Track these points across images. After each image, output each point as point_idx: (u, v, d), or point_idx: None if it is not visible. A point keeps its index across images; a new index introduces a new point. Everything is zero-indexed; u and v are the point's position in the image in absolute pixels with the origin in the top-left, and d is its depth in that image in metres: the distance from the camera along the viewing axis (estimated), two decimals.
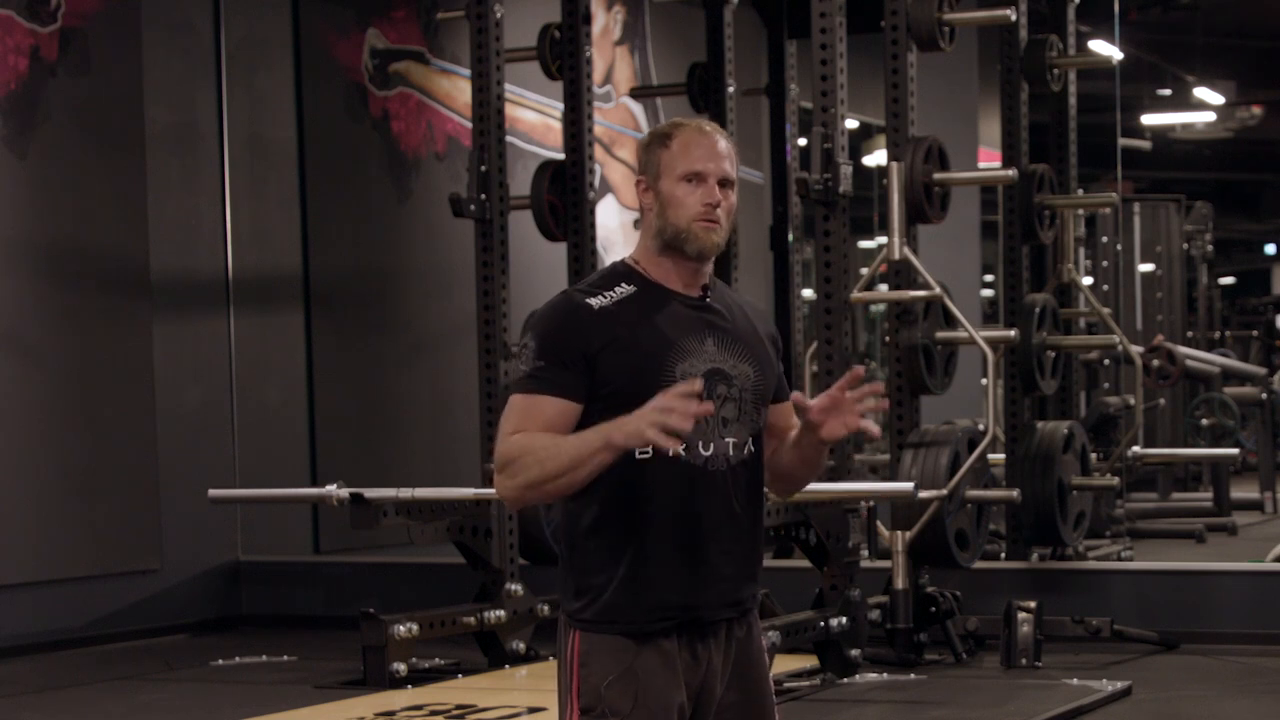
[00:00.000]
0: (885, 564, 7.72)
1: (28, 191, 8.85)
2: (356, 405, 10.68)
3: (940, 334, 8.04)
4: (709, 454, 3.20)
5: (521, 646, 7.99)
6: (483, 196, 8.37)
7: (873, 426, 3.27)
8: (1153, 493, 14.03)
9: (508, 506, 3.26)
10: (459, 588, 8.45)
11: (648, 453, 3.17)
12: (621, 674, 3.18)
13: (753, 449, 3.27)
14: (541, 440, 3.14)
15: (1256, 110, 21.55)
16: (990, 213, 14.93)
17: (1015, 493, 8.17)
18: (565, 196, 9.04)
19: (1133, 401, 10.38)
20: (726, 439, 3.22)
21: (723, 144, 3.26)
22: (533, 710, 6.87)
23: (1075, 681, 7.14)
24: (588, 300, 3.20)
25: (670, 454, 3.14)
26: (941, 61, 9.58)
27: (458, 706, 6.91)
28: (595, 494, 3.20)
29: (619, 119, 12.98)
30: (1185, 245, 16.36)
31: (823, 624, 7.24)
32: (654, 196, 3.26)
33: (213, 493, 8.40)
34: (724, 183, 3.24)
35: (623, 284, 3.24)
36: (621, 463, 3.15)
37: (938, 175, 7.96)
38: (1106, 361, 12.92)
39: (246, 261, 10.04)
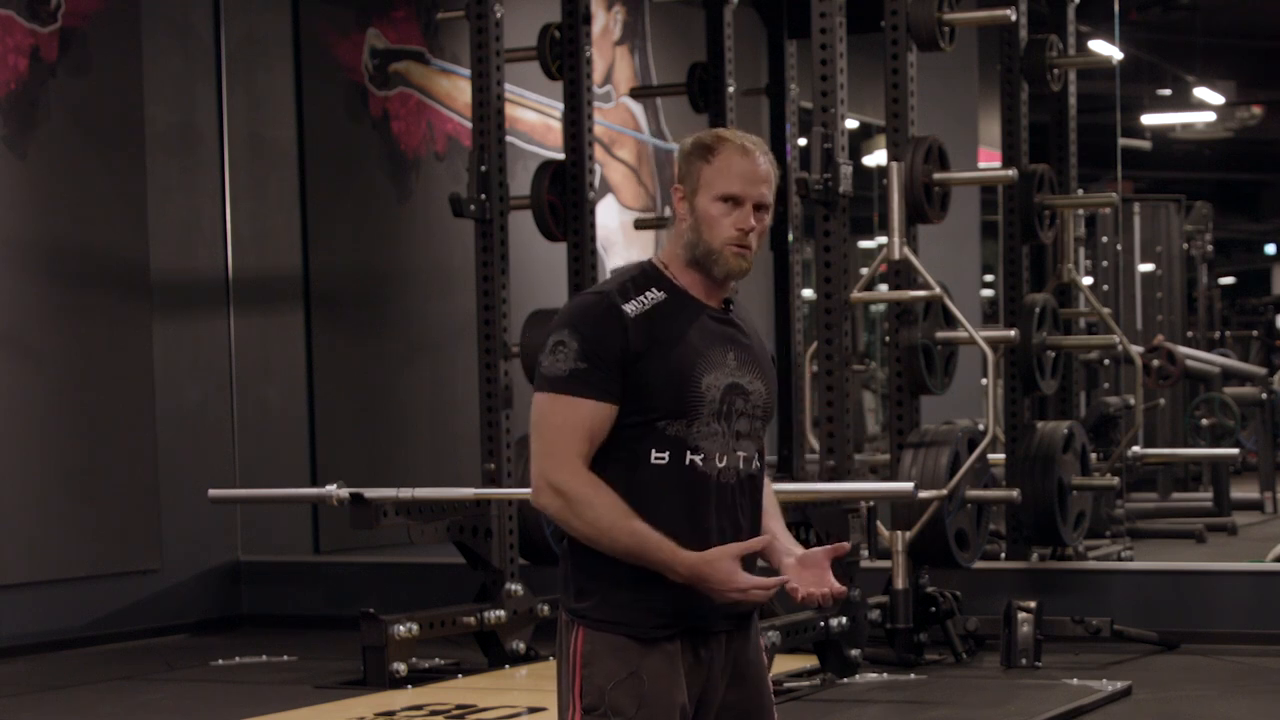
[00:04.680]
0: (885, 564, 7.72)
1: (28, 191, 8.85)
2: (356, 405, 10.68)
3: (940, 334, 8.04)
4: (723, 465, 3.22)
5: (521, 646, 7.99)
6: (483, 196, 8.37)
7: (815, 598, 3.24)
8: (1153, 493, 14.03)
9: (533, 504, 3.29)
10: (459, 588, 8.45)
11: (663, 458, 3.18)
12: (627, 675, 3.18)
13: (757, 464, 3.30)
14: (610, 508, 3.15)
15: (1256, 110, 21.54)
16: (990, 213, 14.93)
17: (1015, 493, 8.17)
18: (565, 196, 9.04)
19: (1133, 401, 10.38)
20: (739, 452, 3.24)
21: (764, 166, 3.25)
22: (533, 710, 6.87)
23: (1075, 681, 7.14)
24: (624, 306, 3.21)
25: (687, 462, 3.18)
26: (941, 61, 9.58)
27: (458, 706, 6.91)
28: None
29: (619, 119, 12.98)
30: (1185, 245, 16.35)
31: (823, 624, 7.24)
32: (689, 209, 3.26)
33: (213, 493, 8.40)
34: (760, 207, 3.25)
35: (653, 289, 3.25)
36: (637, 467, 3.18)
37: (938, 175, 7.96)
38: (1106, 361, 12.92)
39: (246, 261, 10.04)
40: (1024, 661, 7.52)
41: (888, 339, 8.23)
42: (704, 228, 3.24)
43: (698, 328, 3.24)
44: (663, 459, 3.18)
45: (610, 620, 3.20)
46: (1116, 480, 9.70)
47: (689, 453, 3.19)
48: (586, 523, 3.17)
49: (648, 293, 3.24)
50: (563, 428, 3.18)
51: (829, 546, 3.23)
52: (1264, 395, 13.74)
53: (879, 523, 7.55)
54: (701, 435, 3.20)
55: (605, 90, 12.68)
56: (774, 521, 3.36)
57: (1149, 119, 20.77)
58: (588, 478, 3.17)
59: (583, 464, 3.18)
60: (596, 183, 9.45)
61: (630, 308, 3.21)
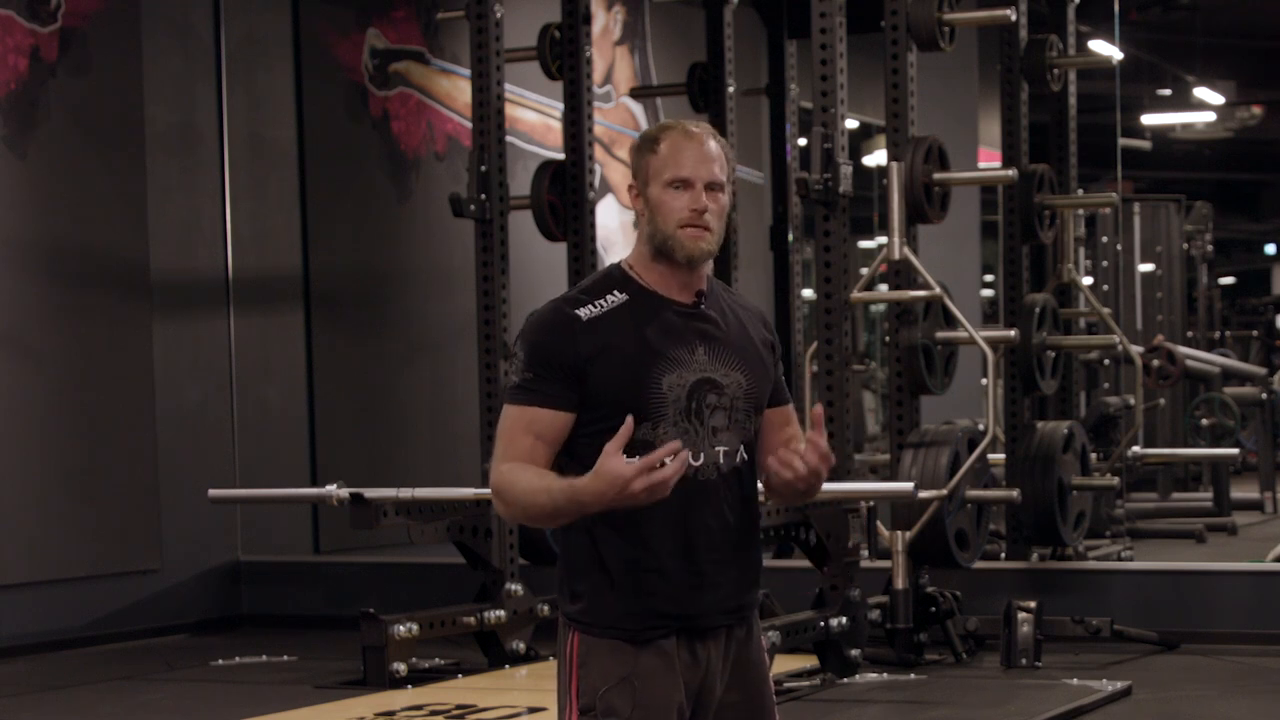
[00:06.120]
0: (885, 564, 7.72)
1: (28, 191, 8.85)
2: (356, 405, 10.68)
3: (940, 334, 8.04)
4: (699, 463, 3.19)
5: (521, 646, 7.99)
6: (483, 196, 8.37)
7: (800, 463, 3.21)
8: (1153, 493, 14.03)
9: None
10: (459, 588, 8.45)
11: (634, 462, 3.17)
12: (621, 676, 3.18)
13: (745, 456, 3.26)
14: (525, 481, 3.14)
15: (1256, 110, 21.54)
16: (990, 213, 14.93)
17: (1015, 493, 8.17)
18: (565, 196, 9.05)
19: (1133, 401, 10.38)
20: (717, 448, 3.21)
21: (711, 146, 3.23)
22: (533, 710, 6.87)
23: (1075, 681, 7.14)
24: (577, 311, 3.19)
25: (658, 464, 3.14)
26: (941, 61, 9.58)
27: (458, 706, 6.91)
28: None
29: (619, 119, 12.98)
30: (1185, 245, 16.35)
31: (823, 624, 7.24)
32: (644, 202, 3.25)
33: (213, 493, 8.40)
34: (712, 186, 3.22)
35: (615, 291, 3.23)
36: None
37: (938, 175, 7.96)
38: (1106, 361, 12.92)
39: (246, 261, 10.04)
40: (1024, 661, 7.52)
41: (888, 339, 8.23)
42: (658, 216, 3.22)
43: (659, 327, 3.21)
44: (633, 461, 3.17)
45: (602, 624, 3.19)
46: (1116, 480, 9.70)
47: None
48: (515, 505, 3.15)
49: (608, 296, 3.22)
50: (507, 434, 3.20)
51: (814, 422, 3.19)
52: (1264, 395, 13.73)
53: (879, 523, 7.55)
54: (670, 436, 3.17)
55: (605, 90, 12.68)
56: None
57: (1149, 119, 20.77)
58: (511, 464, 3.16)
59: (519, 458, 3.17)
60: (596, 183, 9.46)
61: (584, 313, 3.19)
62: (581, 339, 3.17)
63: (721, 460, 3.22)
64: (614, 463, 3.03)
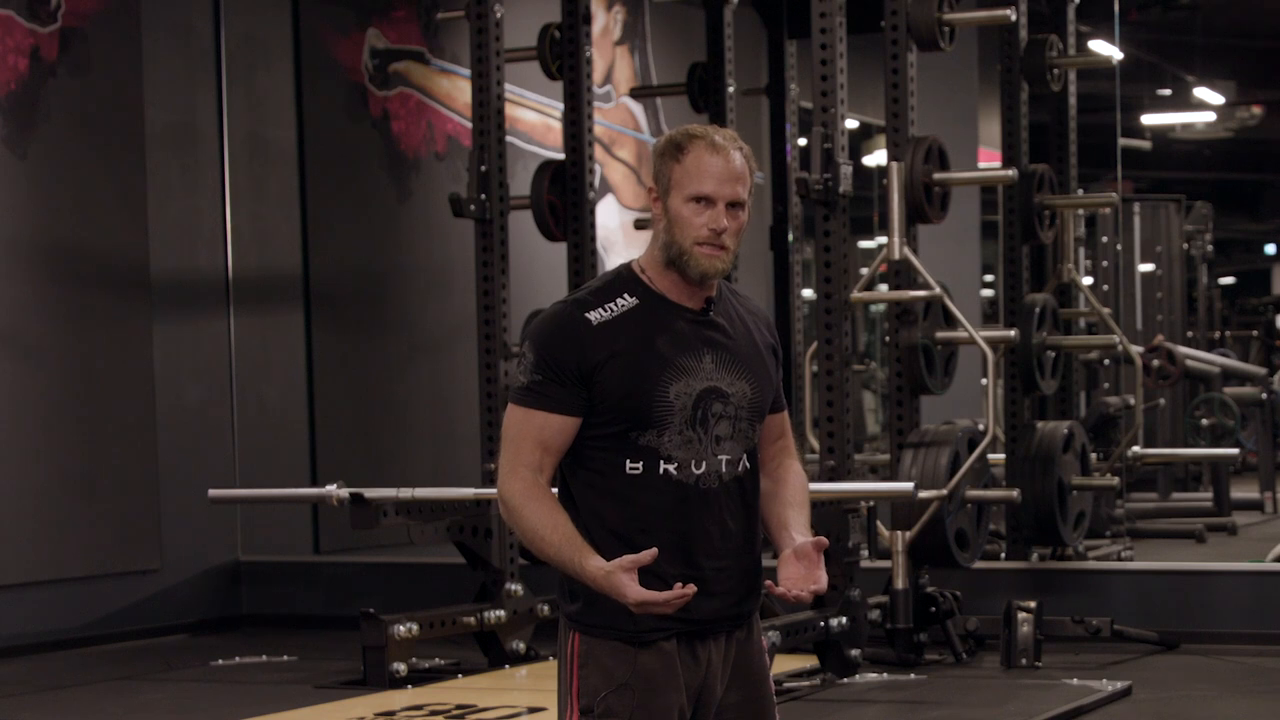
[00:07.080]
0: (885, 564, 7.72)
1: (28, 191, 8.85)
2: (356, 405, 10.68)
3: (940, 334, 8.05)
4: (700, 472, 3.19)
5: (521, 646, 7.99)
6: (483, 196, 8.38)
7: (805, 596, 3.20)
8: (1153, 493, 14.02)
9: None
10: (459, 588, 8.45)
11: (638, 468, 3.17)
12: (622, 677, 3.18)
13: (747, 465, 3.26)
14: (536, 518, 3.15)
15: (1256, 110, 21.53)
16: (990, 213, 14.92)
17: (1015, 493, 8.17)
18: (565, 196, 9.04)
19: (1133, 401, 10.38)
20: (719, 456, 3.21)
21: (737, 162, 3.19)
22: (533, 710, 6.87)
23: (1075, 681, 7.14)
24: (587, 315, 3.18)
25: (660, 472, 3.16)
26: (941, 61, 9.58)
27: (458, 706, 6.92)
28: (589, 508, 3.21)
29: (619, 119, 12.98)
30: (1185, 245, 16.34)
31: (823, 624, 7.24)
32: (662, 209, 3.22)
33: (213, 493, 8.40)
34: (733, 205, 3.19)
35: (625, 295, 3.21)
36: (613, 477, 3.17)
37: (938, 175, 7.96)
38: (1106, 361, 12.91)
39: (246, 261, 10.04)
40: (1024, 661, 7.52)
41: (888, 339, 8.23)
42: (676, 229, 3.19)
43: (670, 334, 3.19)
44: (637, 469, 3.17)
45: (602, 624, 3.19)
46: (1116, 480, 9.69)
47: (663, 462, 3.17)
48: (521, 531, 3.18)
49: (619, 299, 3.20)
50: (515, 439, 3.19)
51: (814, 540, 3.20)
52: (1264, 395, 13.73)
53: (879, 523, 7.55)
54: (674, 444, 3.17)
55: (605, 90, 12.68)
56: (789, 510, 3.31)
57: (1149, 119, 20.76)
58: (523, 487, 3.17)
59: (531, 473, 3.17)
60: (596, 183, 9.46)
61: (594, 316, 3.18)
62: (590, 344, 3.16)
63: (724, 469, 3.21)
64: (623, 579, 3.06)
